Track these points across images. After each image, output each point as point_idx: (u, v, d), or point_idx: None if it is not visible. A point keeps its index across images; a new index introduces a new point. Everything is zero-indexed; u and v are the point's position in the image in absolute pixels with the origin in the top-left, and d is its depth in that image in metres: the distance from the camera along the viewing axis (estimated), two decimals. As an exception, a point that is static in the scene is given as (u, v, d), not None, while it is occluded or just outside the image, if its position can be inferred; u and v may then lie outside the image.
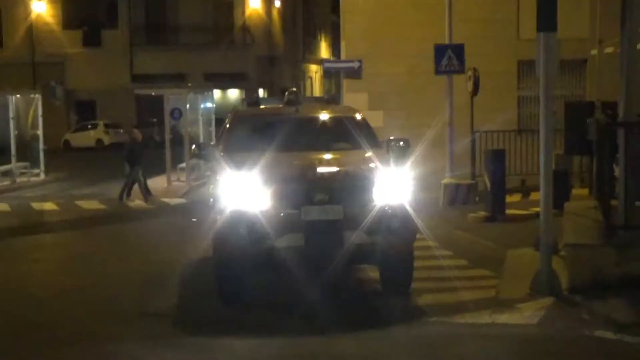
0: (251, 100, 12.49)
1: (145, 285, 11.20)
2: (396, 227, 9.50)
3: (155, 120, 44.49)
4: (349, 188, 9.50)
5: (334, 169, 9.93)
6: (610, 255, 9.74)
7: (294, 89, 11.59)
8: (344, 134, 10.97)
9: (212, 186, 10.39)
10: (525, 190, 18.66)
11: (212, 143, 11.61)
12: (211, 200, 10.08)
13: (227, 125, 11.48)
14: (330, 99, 12.71)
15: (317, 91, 56.05)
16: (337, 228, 9.34)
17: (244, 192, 9.50)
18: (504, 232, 14.11)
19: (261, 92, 46.85)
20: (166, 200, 21.46)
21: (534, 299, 9.50)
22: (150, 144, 43.79)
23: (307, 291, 10.28)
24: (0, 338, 8.98)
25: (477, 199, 17.60)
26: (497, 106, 20.29)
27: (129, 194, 20.89)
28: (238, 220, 9.39)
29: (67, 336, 8.93)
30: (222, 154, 10.73)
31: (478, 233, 14.38)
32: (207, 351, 8.23)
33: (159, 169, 25.80)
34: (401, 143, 10.96)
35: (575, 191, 16.96)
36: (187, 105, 26.21)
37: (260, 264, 9.67)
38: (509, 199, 16.50)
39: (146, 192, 20.81)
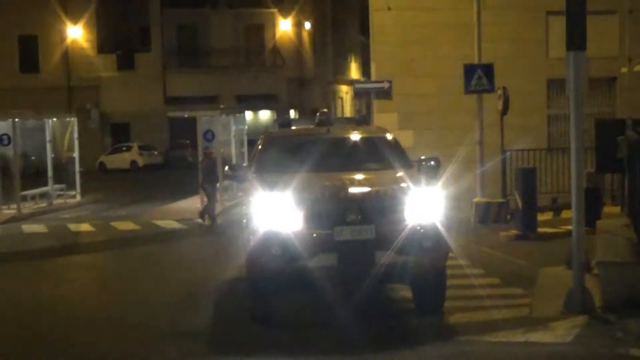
0: (283, 121, 12.60)
1: (180, 305, 11.29)
2: (428, 246, 9.54)
3: (188, 142, 44.97)
4: (380, 208, 9.56)
5: (366, 189, 9.99)
6: (642, 273, 9.70)
7: (325, 110, 11.69)
8: (375, 154, 11.04)
9: (244, 207, 10.48)
10: (557, 208, 18.60)
11: (244, 164, 11.69)
12: (244, 220, 10.18)
13: (259, 147, 11.59)
14: (361, 120, 12.75)
15: (348, 112, 56.24)
16: (370, 248, 9.39)
17: (276, 212, 9.59)
18: (536, 251, 14.08)
19: (292, 113, 47.13)
20: (200, 220, 21.61)
21: (567, 318, 9.49)
22: (184, 165, 44.36)
23: (340, 311, 10.33)
24: (37, 359, 9.09)
25: (508, 217, 17.58)
26: (527, 125, 20.25)
27: (211, 214, 20.85)
28: (271, 240, 9.48)
29: (102, 357, 9.04)
30: (254, 174, 10.84)
31: (510, 251, 14.35)
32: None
33: (193, 190, 26.04)
34: (432, 162, 10.99)
35: (607, 209, 16.88)
36: (220, 127, 26.44)
37: (293, 284, 9.73)
38: (540, 217, 16.46)
39: (205, 212, 20.87)
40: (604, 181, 17.70)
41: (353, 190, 9.88)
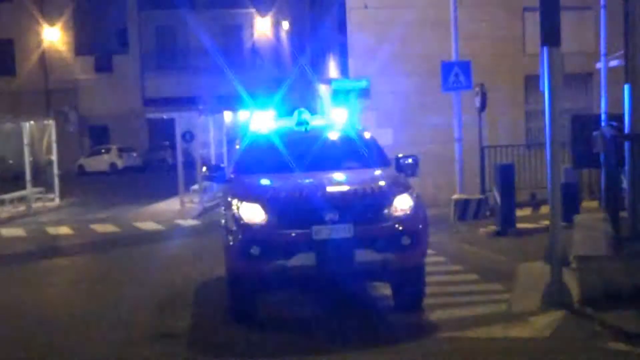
0: (261, 121, 12.57)
1: (160, 307, 11.25)
2: (406, 243, 9.56)
3: (167, 143, 44.91)
4: (358, 206, 9.57)
5: (344, 187, 10.02)
6: (620, 266, 9.81)
7: (303, 109, 11.68)
8: (353, 153, 11.09)
9: (223, 207, 10.48)
10: (536, 204, 18.73)
11: (222, 164, 11.70)
12: (223, 221, 10.18)
13: (237, 147, 11.60)
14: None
15: (327, 110, 56.21)
16: (348, 246, 9.39)
17: (254, 212, 9.60)
18: (515, 246, 14.17)
19: (271, 113, 46.84)
20: (180, 221, 21.60)
21: (545, 312, 9.55)
22: (163, 167, 44.30)
23: (319, 309, 10.38)
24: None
25: (487, 213, 17.68)
26: (505, 121, 20.39)
27: None
28: (249, 240, 9.47)
29: (82, 359, 9.02)
30: (232, 175, 10.86)
31: (488, 247, 14.44)
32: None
33: (172, 192, 26.02)
34: (410, 160, 11.03)
35: (585, 203, 17.04)
36: (198, 127, 26.44)
37: (272, 284, 9.73)
38: (519, 212, 16.56)
39: None
40: (582, 176, 17.84)
41: (331, 189, 9.90)
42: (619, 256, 9.95)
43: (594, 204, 17.01)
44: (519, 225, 15.90)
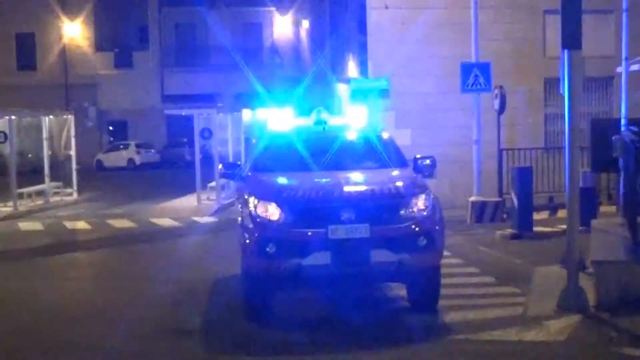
0: (279, 119, 12.56)
1: (175, 302, 11.32)
2: (423, 245, 9.56)
3: (185, 140, 45.05)
4: (375, 207, 9.58)
5: (361, 187, 10.04)
6: (637, 272, 9.75)
7: (321, 108, 11.67)
8: (371, 153, 11.09)
9: (240, 205, 10.50)
10: (553, 207, 18.67)
11: (239, 162, 11.73)
12: (239, 218, 10.20)
13: (255, 144, 11.63)
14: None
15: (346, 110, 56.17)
16: (364, 247, 9.40)
17: (271, 211, 9.63)
18: (531, 250, 14.16)
19: (289, 112, 46.88)
20: (196, 218, 21.66)
21: (561, 316, 9.54)
22: (181, 164, 44.42)
23: (334, 309, 10.38)
24: (33, 356, 9.11)
25: (504, 216, 17.64)
26: (523, 124, 20.32)
27: None
28: (265, 238, 9.50)
29: (97, 354, 9.07)
30: (249, 173, 10.88)
31: (505, 250, 14.42)
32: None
33: (189, 188, 26.09)
34: (428, 161, 11.02)
35: (603, 208, 16.95)
36: (217, 125, 26.50)
37: (287, 282, 9.75)
38: (536, 216, 16.52)
39: None
40: (600, 180, 17.76)
41: (348, 188, 9.91)
42: (636, 262, 9.89)
43: (612, 208, 16.92)
44: (536, 229, 15.86)
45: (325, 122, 11.55)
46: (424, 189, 10.01)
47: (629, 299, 9.52)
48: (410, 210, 9.66)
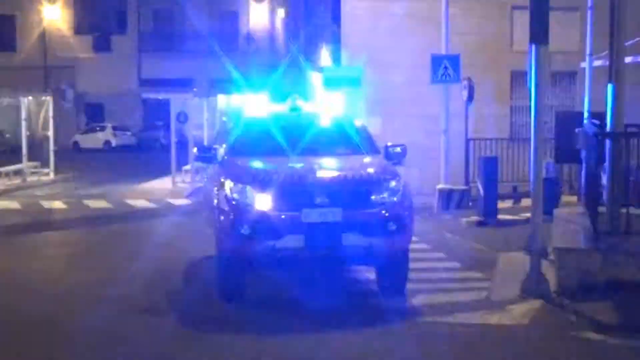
0: (256, 105, 12.73)
1: (150, 282, 11.43)
2: (392, 229, 9.82)
3: (161, 123, 45.17)
4: (348, 191, 9.84)
5: (334, 172, 10.32)
6: (596, 259, 9.97)
7: (296, 95, 11.90)
8: (344, 140, 11.35)
9: (215, 187, 10.68)
10: (517, 196, 19.03)
11: (214, 146, 11.90)
12: (215, 201, 10.40)
13: (230, 129, 11.84)
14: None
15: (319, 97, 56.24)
16: (336, 230, 9.65)
17: (246, 193, 9.86)
18: (496, 237, 14.41)
19: (264, 98, 46.84)
20: (171, 200, 21.86)
21: (524, 301, 9.83)
22: (157, 147, 44.56)
23: (306, 291, 10.61)
24: (10, 334, 9.20)
25: (470, 204, 17.94)
26: (490, 115, 20.69)
27: None
28: (240, 220, 9.73)
29: (74, 332, 9.19)
30: (225, 157, 11.08)
31: (470, 237, 14.70)
32: (208, 347, 8.47)
33: (165, 171, 26.29)
34: (398, 149, 11.26)
35: (565, 198, 17.35)
36: (192, 109, 26.67)
37: (260, 264, 9.97)
38: (500, 204, 16.83)
39: None
40: (562, 171, 18.18)
41: (321, 173, 10.19)
42: (595, 249, 10.19)
43: (573, 198, 17.33)
44: (501, 217, 16.17)
45: (299, 109, 11.78)
46: (394, 176, 10.28)
47: (588, 285, 9.77)
48: (382, 195, 9.94)
